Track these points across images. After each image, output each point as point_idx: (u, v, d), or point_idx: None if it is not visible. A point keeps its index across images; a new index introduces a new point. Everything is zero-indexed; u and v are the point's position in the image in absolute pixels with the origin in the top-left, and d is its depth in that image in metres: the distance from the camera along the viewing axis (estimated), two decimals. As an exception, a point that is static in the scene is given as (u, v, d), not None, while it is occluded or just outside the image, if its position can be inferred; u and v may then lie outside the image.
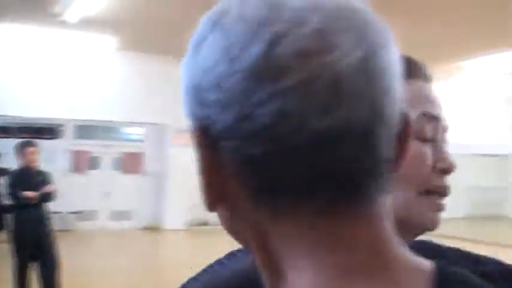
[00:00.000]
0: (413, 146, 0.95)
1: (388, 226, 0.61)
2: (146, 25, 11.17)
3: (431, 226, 1.00)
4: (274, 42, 0.56)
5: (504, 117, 12.74)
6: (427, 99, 1.01)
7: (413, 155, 0.95)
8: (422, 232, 1.00)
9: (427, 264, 0.61)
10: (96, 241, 14.26)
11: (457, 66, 13.37)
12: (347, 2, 0.58)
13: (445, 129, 1.03)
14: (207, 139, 0.61)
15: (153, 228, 15.69)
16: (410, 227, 0.95)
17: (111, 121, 14.22)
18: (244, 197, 0.60)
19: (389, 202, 0.62)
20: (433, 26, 9.34)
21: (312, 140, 0.56)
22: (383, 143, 0.58)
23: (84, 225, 15.19)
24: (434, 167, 0.98)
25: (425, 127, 0.99)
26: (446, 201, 1.01)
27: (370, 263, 0.58)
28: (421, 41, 10.00)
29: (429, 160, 0.98)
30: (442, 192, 0.99)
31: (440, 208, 1.00)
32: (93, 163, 15.96)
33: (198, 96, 0.61)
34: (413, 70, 1.01)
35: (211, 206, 0.63)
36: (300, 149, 0.56)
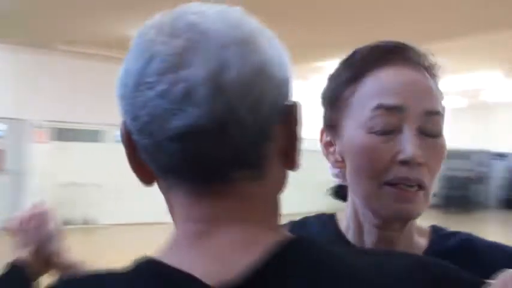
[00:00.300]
0: (369, 138, 0.98)
1: (255, 207, 0.78)
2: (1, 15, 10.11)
3: (398, 216, 0.99)
4: (148, 61, 0.75)
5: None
6: (383, 90, 0.99)
7: (369, 147, 0.98)
8: (398, 221, 1.01)
9: (277, 239, 0.76)
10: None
11: (316, 67, 13.22)
12: (203, 31, 0.75)
13: (402, 120, 0.98)
14: (127, 135, 0.80)
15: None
16: (383, 217, 0.98)
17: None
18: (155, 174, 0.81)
19: (267, 188, 0.78)
20: (295, 29, 9.48)
21: (175, 134, 0.74)
22: (241, 137, 0.74)
23: None
24: (393, 159, 0.98)
25: (380, 119, 0.98)
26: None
27: (217, 224, 0.77)
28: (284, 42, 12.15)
29: (386, 152, 0.97)
30: (405, 183, 0.98)
31: (405, 199, 0.98)
32: None
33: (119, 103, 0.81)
34: (380, 59, 1.00)
35: (145, 183, 0.84)
36: (169, 142, 0.74)
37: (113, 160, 14.79)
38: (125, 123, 0.81)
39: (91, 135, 16.59)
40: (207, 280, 0.72)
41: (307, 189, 16.47)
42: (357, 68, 1.07)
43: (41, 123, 14.43)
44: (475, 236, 1.14)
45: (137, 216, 15.33)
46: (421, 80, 1.03)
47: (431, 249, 1.10)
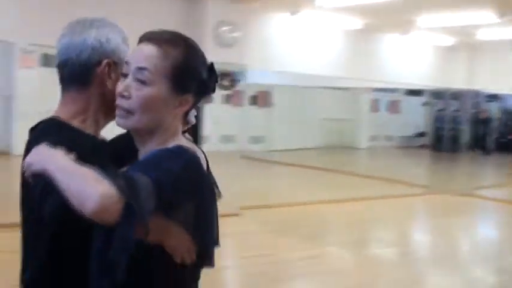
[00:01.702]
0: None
1: (85, 110, 1.72)
2: None
3: (117, 123, 1.65)
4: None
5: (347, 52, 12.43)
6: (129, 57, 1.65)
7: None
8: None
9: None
10: None
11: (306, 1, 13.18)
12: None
13: (128, 70, 1.62)
14: None
15: (1, 153, 14.90)
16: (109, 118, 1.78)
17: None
18: None
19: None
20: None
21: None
22: (67, 72, 1.71)
23: None
24: (119, 93, 1.62)
25: (123, 69, 1.64)
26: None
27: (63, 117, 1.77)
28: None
29: (119, 88, 1.63)
30: (119, 108, 1.63)
31: (119, 116, 1.62)
32: None
33: None
34: (140, 38, 1.64)
35: None
36: None
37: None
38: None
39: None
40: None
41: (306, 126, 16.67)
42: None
43: (29, 47, 14.39)
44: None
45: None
46: (145, 48, 1.63)
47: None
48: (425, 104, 25.66)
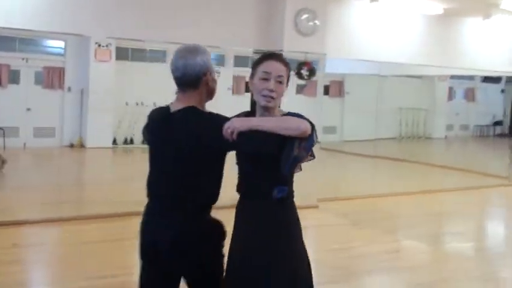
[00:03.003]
0: (259, 81, 2.87)
1: (200, 101, 2.96)
2: None
3: (262, 104, 2.89)
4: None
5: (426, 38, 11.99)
6: (265, 67, 2.88)
7: (258, 83, 2.87)
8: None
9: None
10: (20, 158, 14.08)
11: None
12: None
13: (270, 76, 2.89)
14: None
15: (76, 146, 15.54)
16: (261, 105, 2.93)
17: (30, 30, 11.93)
18: None
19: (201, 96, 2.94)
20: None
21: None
22: (186, 81, 2.92)
23: (7, 141, 14.48)
24: (263, 88, 2.85)
25: (263, 75, 2.85)
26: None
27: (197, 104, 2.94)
28: None
29: (262, 86, 2.84)
30: (267, 94, 2.86)
31: (266, 100, 2.88)
32: (13, 77, 14.86)
33: None
34: (268, 56, 2.93)
35: None
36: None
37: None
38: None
39: (157, 55, 16.94)
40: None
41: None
42: (258, 59, 3.01)
43: (104, 40, 14.86)
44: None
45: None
46: (279, 65, 2.93)
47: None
48: (503, 91, 24.95)
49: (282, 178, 2.85)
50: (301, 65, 9.41)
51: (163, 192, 2.98)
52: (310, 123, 2.79)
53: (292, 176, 2.93)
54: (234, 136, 2.72)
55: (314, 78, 9.91)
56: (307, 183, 9.76)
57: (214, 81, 3.02)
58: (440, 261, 6.86)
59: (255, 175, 2.90)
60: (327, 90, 18.28)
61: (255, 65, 2.96)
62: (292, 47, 9.19)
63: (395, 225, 8.69)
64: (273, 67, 2.88)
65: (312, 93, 14.07)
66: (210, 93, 3.03)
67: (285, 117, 2.86)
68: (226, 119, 2.82)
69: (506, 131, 24.01)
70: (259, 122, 2.78)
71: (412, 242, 7.69)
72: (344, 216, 8.99)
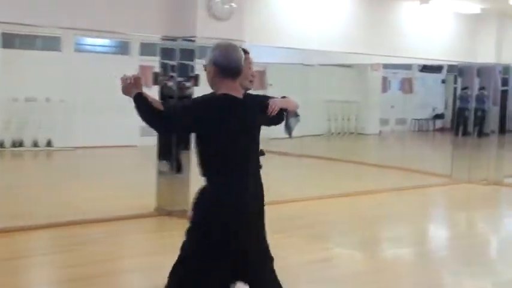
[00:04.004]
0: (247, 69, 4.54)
1: (237, 87, 4.07)
2: None
3: (249, 87, 4.71)
4: None
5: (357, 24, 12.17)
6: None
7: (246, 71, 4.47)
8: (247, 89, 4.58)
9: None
10: None
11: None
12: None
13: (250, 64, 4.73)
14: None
15: None
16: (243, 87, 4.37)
17: None
18: None
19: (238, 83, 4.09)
20: None
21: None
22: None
23: None
24: (250, 75, 4.72)
25: (248, 64, 4.61)
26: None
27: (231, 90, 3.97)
28: None
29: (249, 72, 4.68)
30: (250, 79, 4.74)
31: (251, 85, 4.79)
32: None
33: None
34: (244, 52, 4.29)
35: None
36: None
37: (72, 72, 15.13)
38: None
39: (50, 43, 16.66)
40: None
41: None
42: None
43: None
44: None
45: (103, 138, 15.68)
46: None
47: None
48: (444, 81, 25.61)
49: None
50: (216, 53, 9.47)
51: (248, 169, 4.11)
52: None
53: None
54: (275, 112, 4.47)
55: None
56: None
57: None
58: (377, 269, 7.09)
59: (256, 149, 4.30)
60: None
61: None
62: (206, 33, 9.22)
63: (325, 232, 8.92)
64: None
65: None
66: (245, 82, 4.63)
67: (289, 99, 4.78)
68: (267, 98, 4.64)
69: (448, 125, 24.70)
70: (285, 103, 4.68)
71: (344, 249, 7.90)
72: (267, 223, 9.09)
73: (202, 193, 3.95)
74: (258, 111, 4.29)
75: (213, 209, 3.91)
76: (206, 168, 3.96)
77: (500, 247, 9.00)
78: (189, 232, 3.97)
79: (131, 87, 3.98)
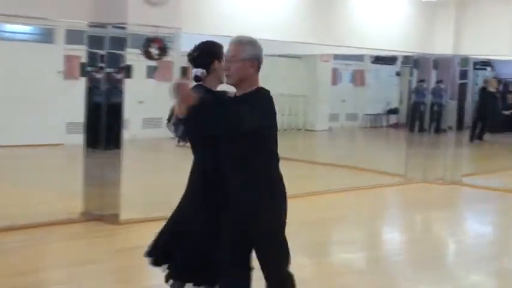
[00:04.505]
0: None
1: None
2: None
3: (224, 81, 4.83)
4: None
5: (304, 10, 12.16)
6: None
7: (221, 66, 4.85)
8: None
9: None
10: None
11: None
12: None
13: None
14: None
15: None
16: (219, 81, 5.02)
17: None
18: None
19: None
20: None
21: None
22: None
23: None
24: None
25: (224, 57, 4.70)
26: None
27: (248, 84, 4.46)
28: None
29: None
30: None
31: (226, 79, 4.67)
32: None
33: None
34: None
35: None
36: None
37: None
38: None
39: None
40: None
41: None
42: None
43: None
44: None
45: (24, 136, 15.46)
46: (233, 46, 4.50)
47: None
48: (399, 74, 25.80)
49: None
50: (149, 41, 9.33)
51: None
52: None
53: None
54: None
55: (167, 58, 9.90)
56: (160, 188, 9.83)
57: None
58: (326, 276, 7.13)
59: None
60: (185, 74, 18.24)
61: None
62: (139, 20, 9.10)
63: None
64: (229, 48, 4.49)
65: (166, 77, 14.02)
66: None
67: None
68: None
69: (403, 121, 24.95)
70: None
71: (291, 254, 7.90)
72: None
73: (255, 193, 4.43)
74: None
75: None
76: (253, 164, 4.44)
77: (458, 250, 9.13)
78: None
79: (188, 93, 4.22)
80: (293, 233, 8.69)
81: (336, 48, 15.58)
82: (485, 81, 24.27)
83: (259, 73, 4.48)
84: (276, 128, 4.62)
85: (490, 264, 8.14)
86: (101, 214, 9.02)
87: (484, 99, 23.06)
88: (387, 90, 25.84)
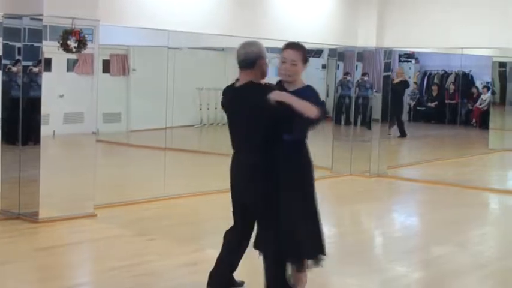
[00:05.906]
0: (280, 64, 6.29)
1: (249, 78, 6.04)
2: None
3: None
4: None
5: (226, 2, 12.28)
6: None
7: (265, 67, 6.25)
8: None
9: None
10: None
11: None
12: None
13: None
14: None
15: None
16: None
17: None
18: None
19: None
20: None
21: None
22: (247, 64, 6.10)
23: None
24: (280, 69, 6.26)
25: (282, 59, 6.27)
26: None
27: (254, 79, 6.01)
28: None
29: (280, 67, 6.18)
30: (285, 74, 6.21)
31: (282, 76, 6.29)
32: None
33: None
34: (284, 46, 6.27)
35: None
36: None
37: None
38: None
39: None
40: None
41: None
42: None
43: None
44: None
45: None
46: (291, 52, 6.23)
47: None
48: (325, 66, 25.97)
49: None
50: (67, 34, 9.17)
51: (242, 146, 6.73)
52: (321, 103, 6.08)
53: None
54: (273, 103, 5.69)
55: (87, 51, 9.77)
56: (80, 186, 9.76)
57: (266, 65, 6.16)
58: (253, 271, 7.03)
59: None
60: (107, 67, 18.07)
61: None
62: (54, 11, 8.95)
63: (196, 232, 8.96)
64: (287, 54, 6.09)
65: (86, 70, 13.79)
66: (261, 74, 6.13)
67: (305, 104, 5.68)
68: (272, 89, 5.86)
69: (329, 114, 25.10)
70: (288, 98, 5.76)
71: (216, 252, 7.84)
72: (130, 225, 9.11)
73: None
74: (260, 97, 5.95)
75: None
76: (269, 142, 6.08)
77: (385, 242, 9.27)
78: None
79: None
80: (222, 229, 8.69)
81: (260, 41, 15.61)
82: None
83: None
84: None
85: (415, 256, 8.31)
86: (19, 212, 8.88)
87: (393, 92, 23.35)
88: (313, 84, 25.87)
